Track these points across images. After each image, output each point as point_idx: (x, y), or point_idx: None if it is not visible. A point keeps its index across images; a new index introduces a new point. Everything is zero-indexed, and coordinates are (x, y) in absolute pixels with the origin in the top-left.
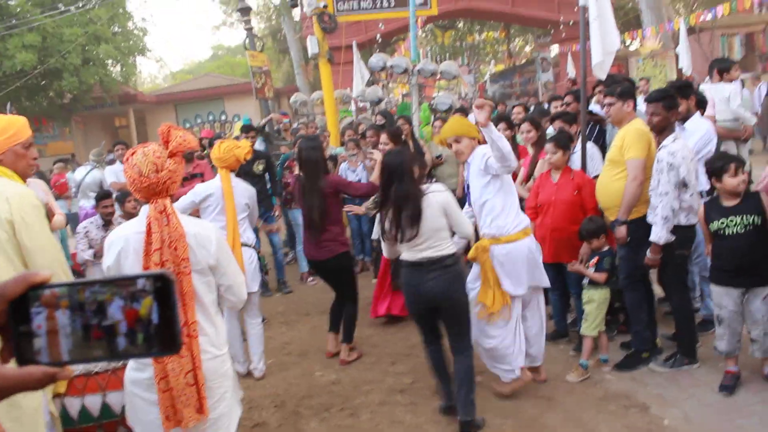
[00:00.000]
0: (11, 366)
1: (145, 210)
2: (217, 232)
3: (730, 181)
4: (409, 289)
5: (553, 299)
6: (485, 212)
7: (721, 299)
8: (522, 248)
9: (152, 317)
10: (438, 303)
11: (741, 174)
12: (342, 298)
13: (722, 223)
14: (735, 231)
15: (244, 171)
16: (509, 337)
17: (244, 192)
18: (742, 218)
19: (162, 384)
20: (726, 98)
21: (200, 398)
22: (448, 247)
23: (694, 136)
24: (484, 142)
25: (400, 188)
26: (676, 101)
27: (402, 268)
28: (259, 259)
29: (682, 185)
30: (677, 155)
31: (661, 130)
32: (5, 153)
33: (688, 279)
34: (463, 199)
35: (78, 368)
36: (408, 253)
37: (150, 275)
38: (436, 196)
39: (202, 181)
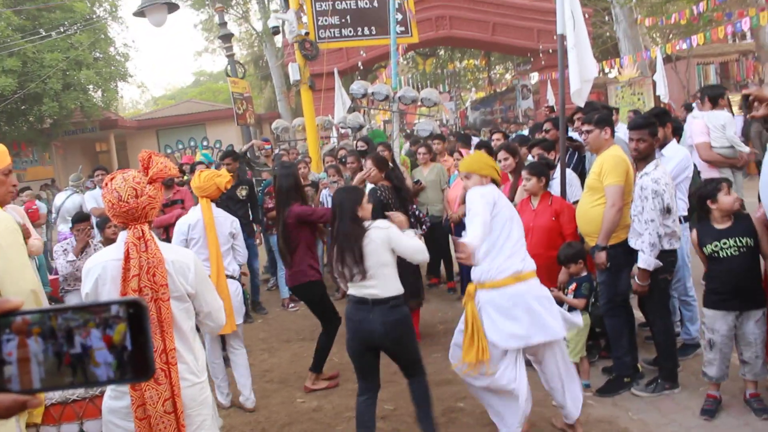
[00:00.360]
0: None
1: (122, 236)
2: (196, 259)
3: (725, 199)
4: (351, 325)
5: None
6: (480, 254)
7: (715, 323)
8: (508, 295)
9: (126, 343)
10: (379, 343)
11: (733, 193)
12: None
13: (716, 246)
14: (729, 253)
15: (227, 196)
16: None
17: (226, 221)
18: (735, 240)
19: (139, 412)
20: (722, 125)
21: (179, 426)
22: (395, 286)
23: (672, 162)
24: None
25: (342, 227)
26: (657, 128)
27: (347, 303)
28: (243, 292)
29: (666, 211)
30: (660, 182)
31: (646, 156)
32: None
33: (670, 303)
34: (459, 227)
35: (54, 396)
36: (354, 289)
37: (123, 301)
38: (377, 233)
39: (182, 207)
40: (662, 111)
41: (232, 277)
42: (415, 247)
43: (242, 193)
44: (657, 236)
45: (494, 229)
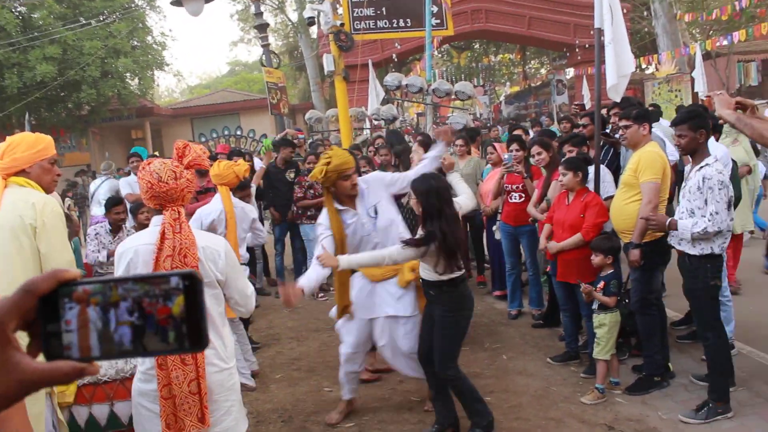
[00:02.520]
0: (40, 360)
1: (156, 221)
2: (227, 246)
3: None
4: (471, 302)
5: (564, 320)
6: (392, 239)
7: None
8: None
9: (183, 315)
10: None
11: None
12: None
13: None
14: None
15: (277, 178)
16: None
17: (245, 208)
18: None
19: (164, 392)
20: None
21: (203, 408)
22: None
23: None
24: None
25: (449, 219)
26: (704, 121)
27: (462, 284)
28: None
29: (729, 205)
30: (725, 173)
31: (691, 151)
32: (32, 167)
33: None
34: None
35: (85, 377)
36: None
37: (180, 273)
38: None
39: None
40: (702, 108)
41: (243, 264)
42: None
43: (290, 175)
44: (716, 229)
45: None
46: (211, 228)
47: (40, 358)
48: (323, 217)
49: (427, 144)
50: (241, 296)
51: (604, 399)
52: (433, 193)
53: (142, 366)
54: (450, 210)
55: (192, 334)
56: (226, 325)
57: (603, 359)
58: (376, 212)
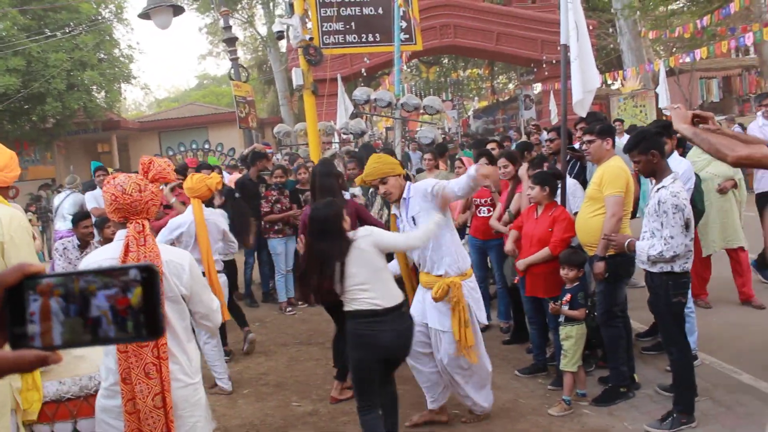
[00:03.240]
0: (6, 349)
1: (119, 235)
2: (191, 261)
3: None
4: (364, 340)
5: (531, 333)
6: (443, 249)
7: None
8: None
9: (141, 305)
10: (392, 353)
11: None
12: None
13: None
14: None
15: (252, 193)
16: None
17: (217, 221)
18: None
19: (129, 406)
20: None
21: (168, 422)
22: (397, 291)
23: None
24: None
25: (326, 243)
26: (653, 142)
27: (351, 320)
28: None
29: (686, 227)
30: (680, 196)
31: (650, 173)
32: None
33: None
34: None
35: (48, 394)
36: (355, 303)
37: (139, 266)
38: (364, 240)
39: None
40: (668, 124)
41: (219, 272)
42: (403, 237)
43: (261, 189)
44: (672, 254)
45: (450, 222)
46: (179, 240)
47: (7, 347)
48: None
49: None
50: (207, 310)
51: (570, 411)
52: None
53: (106, 382)
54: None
55: (149, 323)
56: (192, 340)
57: (570, 371)
58: (414, 222)
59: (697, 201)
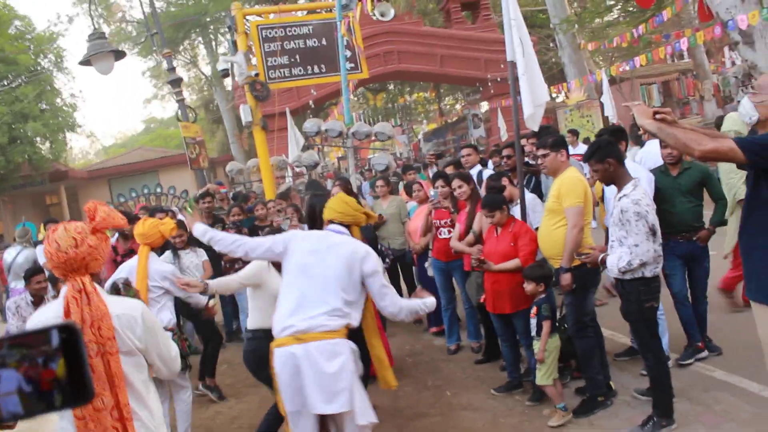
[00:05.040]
0: None
1: (63, 291)
2: (144, 311)
3: None
4: None
5: (504, 350)
6: None
7: None
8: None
9: (66, 374)
10: None
11: None
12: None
13: None
14: None
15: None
16: None
17: (159, 270)
18: None
19: None
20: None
21: None
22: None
23: None
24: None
25: None
26: (608, 150)
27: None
28: (185, 340)
29: (652, 233)
30: (642, 203)
31: (609, 181)
32: None
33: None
34: (422, 258)
35: None
36: None
37: (55, 327)
38: None
39: None
40: (618, 128)
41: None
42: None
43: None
44: (640, 262)
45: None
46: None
47: None
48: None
49: (345, 186)
50: (163, 361)
51: (569, 416)
52: None
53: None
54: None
55: (76, 387)
56: (151, 391)
57: (547, 384)
58: None
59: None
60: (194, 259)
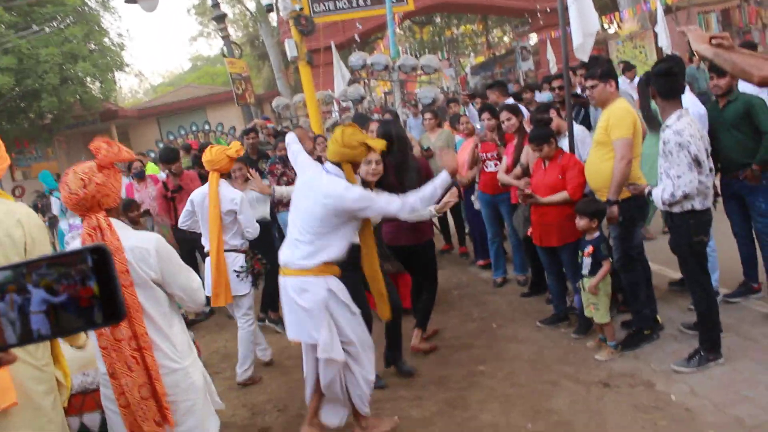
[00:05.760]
0: None
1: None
2: (159, 243)
3: None
4: None
5: (550, 283)
6: None
7: None
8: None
9: (99, 292)
10: None
11: None
12: (421, 286)
13: None
14: None
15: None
16: None
17: (228, 196)
18: None
19: (122, 400)
20: None
21: (161, 411)
22: None
23: None
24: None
25: None
26: (667, 78)
27: None
28: (259, 260)
29: (696, 164)
30: (684, 133)
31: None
32: None
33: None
34: (468, 190)
35: (74, 387)
36: None
37: (87, 248)
38: None
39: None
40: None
41: (234, 250)
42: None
43: (263, 166)
44: (683, 193)
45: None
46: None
47: None
48: (358, 188)
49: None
50: (185, 291)
51: (619, 354)
52: None
53: (102, 371)
54: None
55: (108, 307)
56: (175, 324)
57: (606, 322)
58: None
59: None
60: (256, 193)
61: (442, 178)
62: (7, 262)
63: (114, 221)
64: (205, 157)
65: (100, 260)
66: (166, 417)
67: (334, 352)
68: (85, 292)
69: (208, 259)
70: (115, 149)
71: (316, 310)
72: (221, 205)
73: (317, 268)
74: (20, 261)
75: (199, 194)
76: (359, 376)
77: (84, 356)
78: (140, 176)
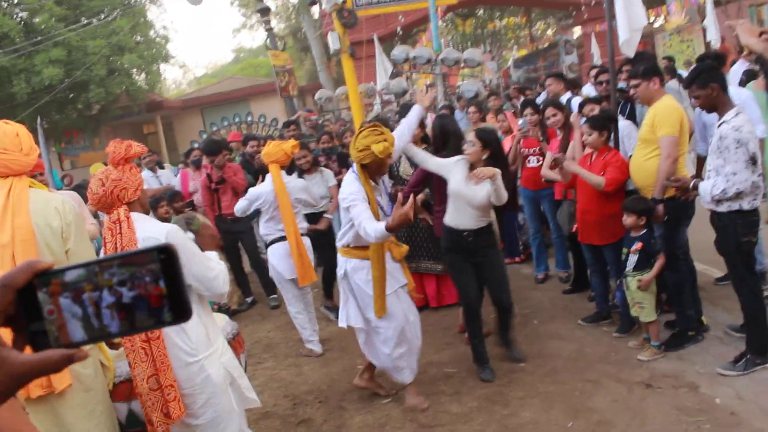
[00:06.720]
0: (27, 352)
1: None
2: (173, 234)
3: None
4: None
5: (593, 281)
6: None
7: None
8: None
9: (168, 291)
10: None
11: None
12: None
13: None
14: None
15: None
16: None
17: (294, 186)
18: None
19: (138, 389)
20: None
21: (166, 403)
22: None
23: None
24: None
25: None
26: (711, 75)
27: None
28: None
29: (752, 162)
30: (743, 130)
31: (711, 108)
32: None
33: (755, 267)
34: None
35: (122, 374)
36: None
37: (158, 247)
38: None
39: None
40: (720, 54)
41: (304, 234)
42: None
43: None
44: (736, 191)
45: None
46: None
47: (28, 350)
48: (354, 188)
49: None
50: (201, 281)
51: (662, 355)
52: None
53: None
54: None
55: (175, 306)
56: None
57: (652, 321)
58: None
59: None
60: (320, 183)
61: (416, 112)
62: (48, 250)
63: (135, 214)
64: (264, 150)
65: (167, 259)
66: (179, 408)
67: (343, 321)
68: (155, 291)
69: (271, 247)
70: (124, 146)
71: (340, 283)
72: (291, 193)
73: (342, 249)
74: (92, 259)
75: (261, 192)
76: (378, 348)
77: None
78: (197, 164)
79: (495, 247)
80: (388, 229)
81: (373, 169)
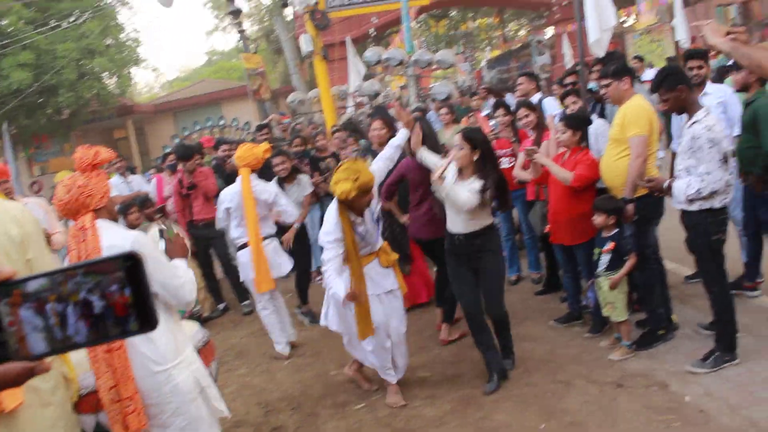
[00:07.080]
0: None
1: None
2: (137, 242)
3: None
4: None
5: (565, 281)
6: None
7: None
8: None
9: (134, 300)
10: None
11: None
12: (445, 281)
13: None
14: None
15: (267, 166)
16: None
17: (261, 189)
18: None
19: (102, 401)
20: None
21: (125, 416)
22: None
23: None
24: None
25: None
26: (679, 77)
27: None
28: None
29: (724, 161)
30: (715, 129)
31: (680, 110)
32: None
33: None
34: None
35: (89, 386)
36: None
37: (122, 255)
38: None
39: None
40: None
41: (269, 237)
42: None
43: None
44: (710, 190)
45: None
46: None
47: None
48: (330, 225)
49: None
50: (167, 289)
51: (633, 354)
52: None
53: None
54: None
55: (141, 314)
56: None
57: (624, 320)
58: (377, 217)
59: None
60: (298, 192)
61: (401, 136)
62: (8, 261)
63: (101, 221)
64: (236, 153)
65: (133, 267)
66: (139, 421)
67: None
68: (121, 299)
69: (241, 252)
70: (92, 152)
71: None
72: (258, 197)
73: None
74: (56, 268)
75: (230, 193)
76: (362, 347)
77: None
78: (173, 169)
79: (492, 252)
80: (347, 298)
81: (349, 205)
